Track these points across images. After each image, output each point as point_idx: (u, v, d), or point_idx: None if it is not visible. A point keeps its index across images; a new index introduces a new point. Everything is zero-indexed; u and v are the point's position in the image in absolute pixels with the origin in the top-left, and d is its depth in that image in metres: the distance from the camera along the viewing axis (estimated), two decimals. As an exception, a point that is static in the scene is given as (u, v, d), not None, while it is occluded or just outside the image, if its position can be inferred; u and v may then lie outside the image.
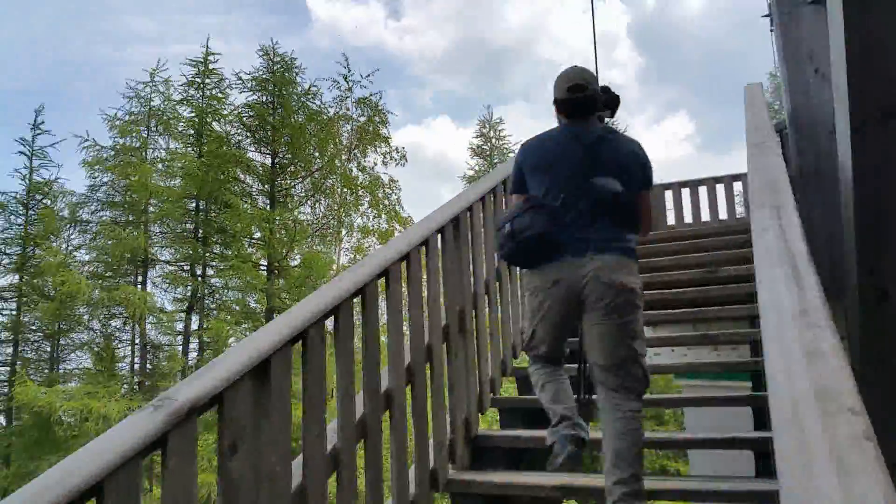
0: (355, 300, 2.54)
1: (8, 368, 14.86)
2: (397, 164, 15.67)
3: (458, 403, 3.19)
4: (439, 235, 3.25)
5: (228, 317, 13.73)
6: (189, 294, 13.91)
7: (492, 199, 3.95)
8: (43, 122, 15.99)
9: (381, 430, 2.58)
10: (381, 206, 14.97)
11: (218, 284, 14.13)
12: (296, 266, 13.73)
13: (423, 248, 3.11)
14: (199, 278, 13.97)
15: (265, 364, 2.01)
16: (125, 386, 13.37)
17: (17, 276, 15.10)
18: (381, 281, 2.73)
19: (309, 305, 2.28)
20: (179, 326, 13.94)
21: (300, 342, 2.21)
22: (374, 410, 2.55)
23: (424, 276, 3.11)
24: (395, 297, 2.81)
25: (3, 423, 14.53)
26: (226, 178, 13.78)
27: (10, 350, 15.09)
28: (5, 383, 14.56)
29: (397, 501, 2.63)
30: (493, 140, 23.80)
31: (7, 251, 15.20)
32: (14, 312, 15.05)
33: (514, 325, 4.03)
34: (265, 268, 13.80)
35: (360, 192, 14.80)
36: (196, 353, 13.81)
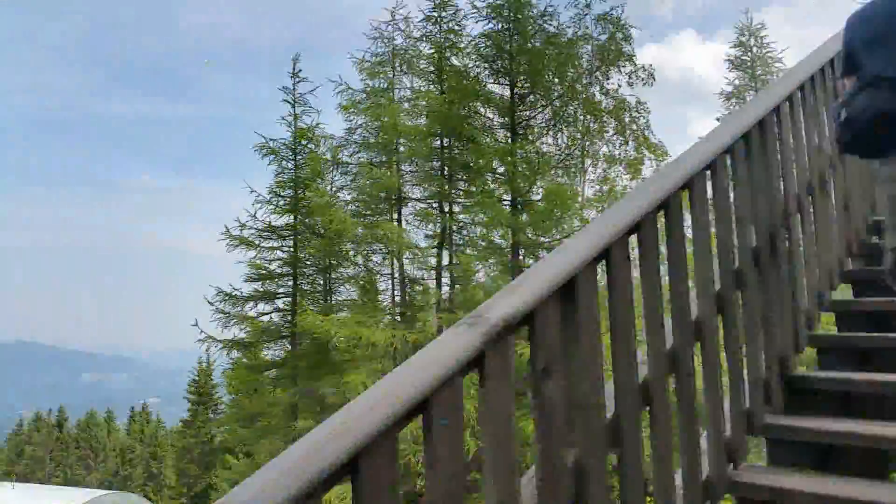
0: (659, 214, 2.25)
1: (290, 299, 16.77)
2: (644, 85, 14.66)
3: (771, 339, 2.77)
4: (743, 142, 2.79)
5: (475, 252, 14.13)
6: (439, 230, 14.49)
7: (800, 96, 3.32)
8: (300, 71, 16.94)
9: (692, 364, 2.30)
10: (627, 131, 14.16)
11: (465, 220, 14.54)
12: (539, 200, 13.61)
13: (728, 157, 2.70)
14: (447, 214, 14.48)
15: (570, 284, 1.83)
16: (388, 316, 14.44)
17: (291, 217, 16.80)
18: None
19: (610, 220, 2.08)
20: (432, 261, 14.66)
21: (603, 261, 2.01)
22: (683, 340, 2.29)
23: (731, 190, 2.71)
24: (702, 212, 2.47)
25: (290, 348, 16.50)
26: (467, 112, 13.93)
27: (290, 283, 16.96)
28: (289, 312, 16.47)
29: (713, 442, 2.36)
30: (755, 49, 20.92)
31: (282, 193, 16.89)
32: (292, 249, 16.83)
33: (832, 251, 3.42)
34: (509, 203, 13.86)
35: (604, 118, 14.11)
36: (448, 287, 14.45)
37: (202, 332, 16.06)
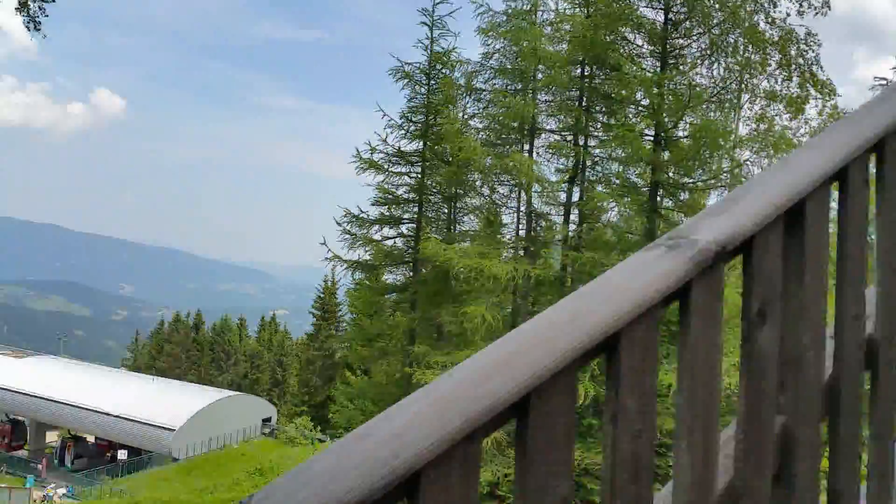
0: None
1: (414, 225, 16.95)
2: (816, 14, 13.08)
3: None
4: None
5: (608, 189, 13.52)
6: (571, 164, 13.93)
7: None
8: (441, -9, 16.57)
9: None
10: (792, 65, 12.74)
11: (600, 155, 13.87)
12: (685, 137, 12.64)
13: None
14: (582, 148, 13.85)
15: (798, 207, 1.45)
16: (511, 250, 14.22)
17: (421, 143, 16.75)
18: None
19: (848, 133, 1.66)
20: (561, 196, 14.17)
21: (837, 183, 1.61)
22: (918, 290, 1.83)
23: None
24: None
25: (411, 274, 16.77)
26: (613, 38, 13.02)
27: (415, 209, 17.11)
28: (413, 238, 16.67)
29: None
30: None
31: (413, 119, 16.83)
32: (419, 175, 16.86)
33: None
34: (651, 138, 12.98)
35: (767, 50, 12.74)
36: (575, 225, 13.96)
37: (329, 251, 16.58)
